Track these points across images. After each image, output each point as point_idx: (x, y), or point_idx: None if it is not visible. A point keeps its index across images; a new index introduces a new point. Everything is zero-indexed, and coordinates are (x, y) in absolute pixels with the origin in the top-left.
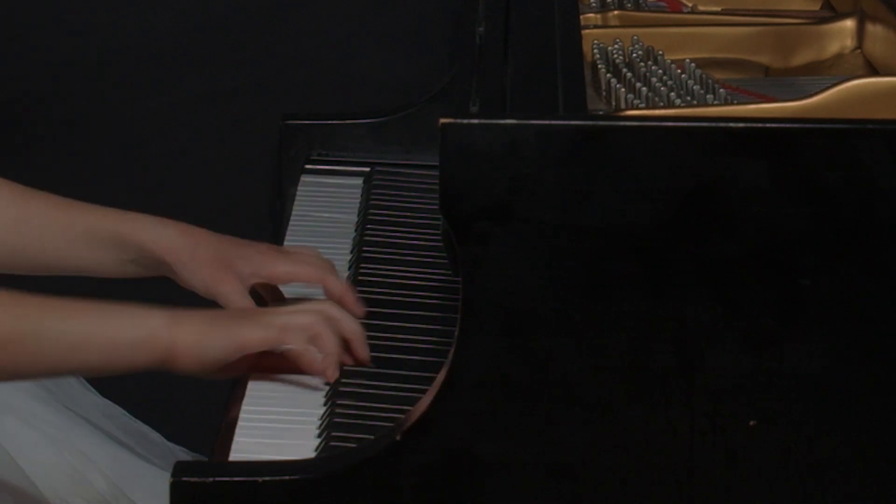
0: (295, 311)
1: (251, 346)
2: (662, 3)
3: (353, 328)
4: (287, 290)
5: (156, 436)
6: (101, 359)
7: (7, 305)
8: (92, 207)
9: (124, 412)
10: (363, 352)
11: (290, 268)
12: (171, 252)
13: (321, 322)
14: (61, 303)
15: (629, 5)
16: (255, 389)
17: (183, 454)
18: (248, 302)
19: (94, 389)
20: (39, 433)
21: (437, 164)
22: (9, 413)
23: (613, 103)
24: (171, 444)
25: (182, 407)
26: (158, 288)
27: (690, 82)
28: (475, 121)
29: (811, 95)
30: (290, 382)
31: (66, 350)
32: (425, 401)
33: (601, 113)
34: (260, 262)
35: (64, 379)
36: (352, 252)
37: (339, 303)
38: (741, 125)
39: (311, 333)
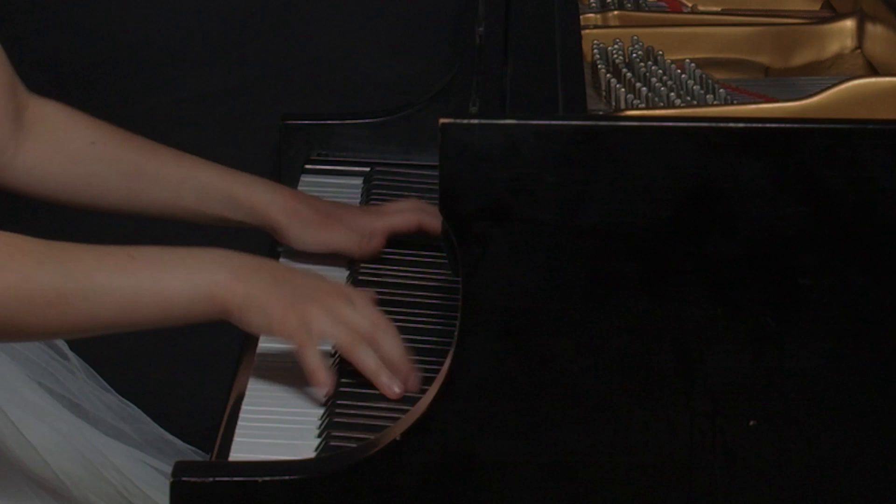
0: (343, 318)
1: (281, 336)
2: (662, 3)
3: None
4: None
5: (171, 437)
6: (155, 314)
7: (56, 261)
8: (203, 164)
9: (141, 413)
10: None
11: (389, 221)
12: (280, 215)
13: (358, 336)
14: (114, 256)
15: (629, 5)
16: (255, 389)
17: (198, 456)
18: (356, 241)
19: (112, 389)
20: (55, 430)
21: (437, 164)
22: (29, 412)
23: (613, 103)
24: (187, 446)
25: (197, 408)
26: None
27: (690, 82)
28: (475, 121)
29: (811, 95)
30: (290, 382)
31: (117, 308)
32: (425, 401)
33: (601, 113)
34: (362, 222)
35: (79, 379)
36: None
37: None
38: (741, 125)
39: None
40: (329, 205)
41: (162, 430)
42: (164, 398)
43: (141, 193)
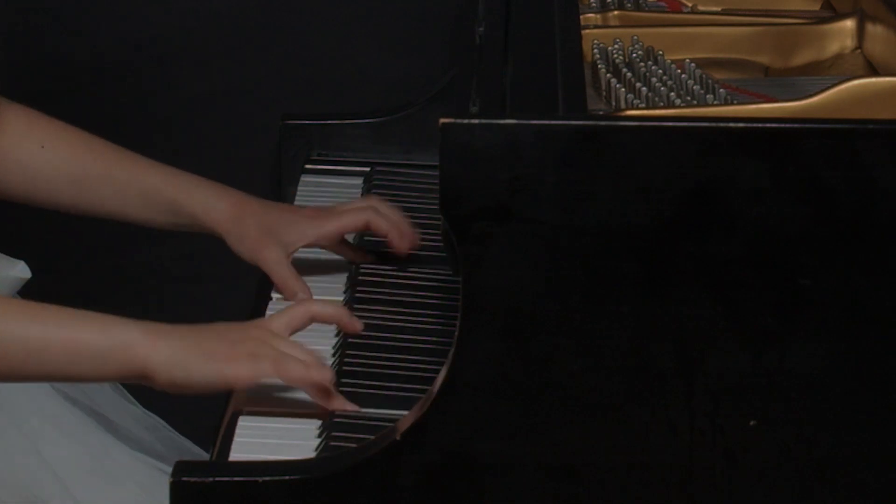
0: (280, 338)
1: (240, 384)
2: (662, 3)
3: (333, 313)
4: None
5: (196, 448)
6: (64, 365)
7: None
8: (151, 167)
9: (166, 425)
10: (351, 326)
11: (336, 223)
12: (220, 224)
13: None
14: (24, 306)
15: (629, 5)
16: (256, 390)
17: None
18: (288, 271)
19: (135, 400)
20: (77, 442)
21: (437, 164)
22: (46, 421)
23: (613, 103)
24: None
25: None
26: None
27: (690, 82)
28: (475, 121)
29: (811, 95)
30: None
31: (23, 353)
32: (425, 401)
33: (601, 113)
34: (306, 226)
35: (104, 389)
36: None
37: (390, 236)
38: (741, 125)
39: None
40: (275, 215)
41: (187, 441)
42: (185, 407)
43: (89, 195)
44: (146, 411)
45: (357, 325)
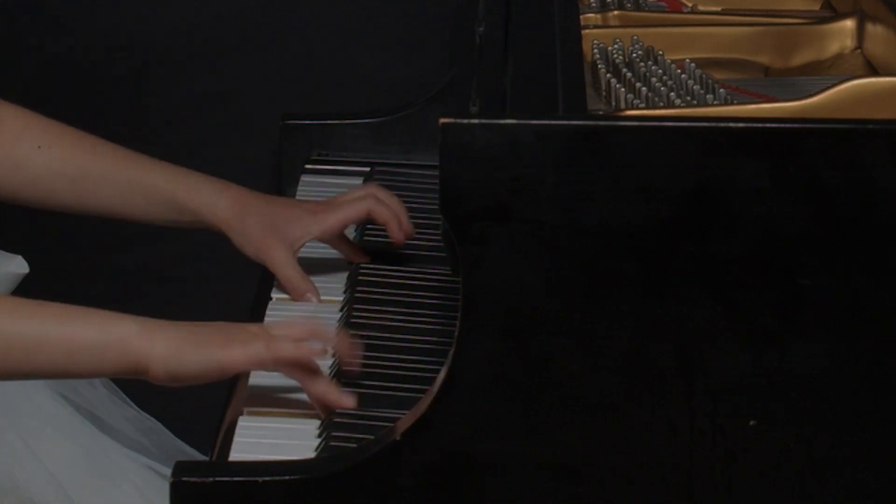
0: (280, 330)
1: (234, 367)
2: (662, 3)
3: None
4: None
5: (190, 450)
6: (62, 361)
7: None
8: (151, 165)
9: (160, 425)
10: (351, 359)
11: (339, 215)
12: (224, 221)
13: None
14: (20, 303)
15: (629, 5)
16: (256, 389)
17: None
18: (294, 270)
19: (129, 401)
20: (74, 442)
21: (437, 164)
22: (49, 424)
23: (613, 103)
24: (206, 458)
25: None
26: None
27: (690, 82)
28: (475, 121)
29: (811, 95)
30: (291, 382)
31: (20, 351)
32: (425, 401)
33: (601, 113)
34: (309, 222)
35: (98, 392)
36: None
37: (390, 226)
38: (741, 125)
39: (297, 358)
40: (277, 211)
41: (181, 443)
42: (181, 409)
43: (89, 195)
44: (142, 412)
45: (355, 365)
